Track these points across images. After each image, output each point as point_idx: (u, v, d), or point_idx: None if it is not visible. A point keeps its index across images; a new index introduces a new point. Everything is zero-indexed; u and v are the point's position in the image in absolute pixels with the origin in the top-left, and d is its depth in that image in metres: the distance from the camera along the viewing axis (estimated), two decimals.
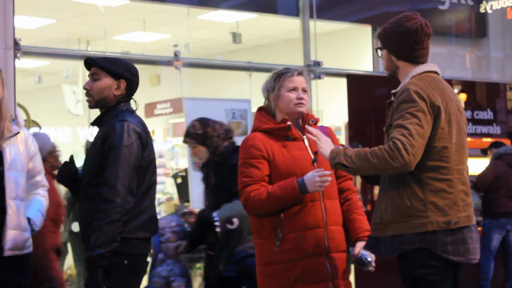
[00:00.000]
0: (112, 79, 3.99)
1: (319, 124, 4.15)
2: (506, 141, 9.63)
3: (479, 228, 9.00)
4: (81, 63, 4.18)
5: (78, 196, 4.04)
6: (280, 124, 4.00)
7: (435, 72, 3.73)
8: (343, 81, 8.31)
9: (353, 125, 8.18)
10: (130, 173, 3.81)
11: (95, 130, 4.11)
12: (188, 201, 8.17)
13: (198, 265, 6.20)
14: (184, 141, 5.14)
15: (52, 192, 4.92)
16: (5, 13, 6.52)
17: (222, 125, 5.10)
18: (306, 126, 3.91)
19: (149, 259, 5.36)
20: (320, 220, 3.93)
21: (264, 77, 4.19)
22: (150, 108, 14.17)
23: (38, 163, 4.33)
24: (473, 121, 9.90)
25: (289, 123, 3.99)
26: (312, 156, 3.99)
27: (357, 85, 8.50)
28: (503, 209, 8.98)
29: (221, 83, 11.75)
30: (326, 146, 3.66)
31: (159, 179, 10.67)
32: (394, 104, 3.58)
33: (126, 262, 3.82)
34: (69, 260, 8.69)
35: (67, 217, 7.56)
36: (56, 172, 4.62)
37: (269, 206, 3.86)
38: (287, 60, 8.72)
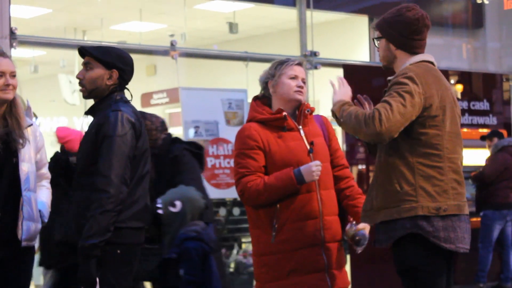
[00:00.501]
0: (104, 69, 3.97)
1: (314, 113, 4.16)
2: (503, 132, 9.64)
3: (478, 219, 9.03)
4: (77, 53, 4.16)
5: (69, 185, 4.03)
6: (276, 115, 4.00)
7: (431, 63, 3.75)
8: (340, 72, 8.31)
9: None
10: (123, 163, 3.80)
11: (90, 119, 4.10)
12: None
13: None
14: None
15: None
16: (1, 2, 6.51)
17: (157, 117, 5.10)
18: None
19: None
20: (316, 210, 3.93)
21: (260, 67, 4.19)
22: (147, 98, 14.15)
23: (44, 156, 4.33)
24: (469, 111, 9.91)
25: (284, 113, 3.99)
26: (308, 147, 3.99)
27: (354, 75, 8.50)
28: (505, 200, 9.02)
29: (217, 73, 11.74)
30: (339, 94, 3.70)
31: None
32: (388, 86, 3.62)
33: (119, 251, 3.82)
34: None
35: None
36: None
37: (265, 196, 3.86)
38: (283, 50, 8.73)
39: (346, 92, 3.74)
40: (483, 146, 9.35)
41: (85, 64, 4.01)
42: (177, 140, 5.37)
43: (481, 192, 9.12)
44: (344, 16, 10.46)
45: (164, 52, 8.12)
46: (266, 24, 12.25)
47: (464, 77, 10.22)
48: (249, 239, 4.74)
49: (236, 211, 8.30)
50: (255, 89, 4.23)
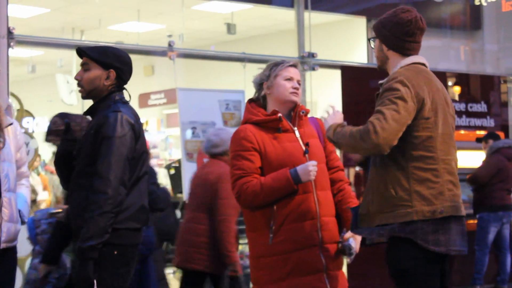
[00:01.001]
0: (102, 69, 3.96)
1: (309, 115, 4.15)
2: (500, 134, 9.64)
3: (474, 221, 9.02)
4: (75, 53, 4.15)
5: (67, 184, 4.03)
6: (271, 116, 3.99)
7: (423, 64, 3.75)
8: (338, 73, 8.31)
9: (347, 117, 8.15)
10: (122, 164, 3.79)
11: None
12: (181, 192, 8.17)
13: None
14: (47, 140, 5.02)
15: None
16: None
17: (83, 117, 5.09)
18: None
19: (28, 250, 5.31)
20: (313, 211, 3.92)
21: (258, 68, 4.18)
22: (144, 99, 14.17)
23: (24, 154, 4.33)
24: (467, 113, 9.91)
25: (279, 114, 3.98)
26: (303, 148, 3.98)
27: (351, 76, 8.51)
28: (500, 202, 9.01)
29: (215, 74, 11.74)
30: (330, 119, 3.79)
31: None
32: (380, 92, 3.62)
33: (116, 252, 3.80)
34: None
35: None
36: None
37: (262, 197, 3.85)
38: (281, 51, 8.73)
39: (338, 118, 3.79)
40: (481, 148, 9.34)
41: (82, 65, 4.01)
42: None
43: (478, 194, 9.11)
44: (342, 17, 10.46)
45: (162, 53, 8.11)
46: (264, 25, 12.26)
47: (462, 79, 10.22)
48: (246, 241, 4.72)
49: None
50: (253, 90, 4.22)
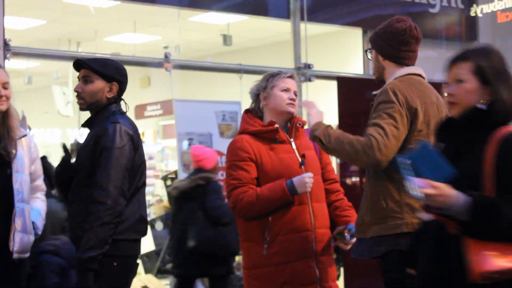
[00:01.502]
0: (105, 82, 3.95)
1: (306, 127, 4.15)
2: None
3: None
4: (71, 64, 4.14)
5: (67, 197, 4.02)
6: (268, 127, 3.99)
7: (419, 75, 3.75)
8: (334, 84, 8.31)
9: (343, 128, 8.17)
10: (122, 175, 3.79)
11: (85, 131, 4.08)
12: None
13: None
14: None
15: None
16: None
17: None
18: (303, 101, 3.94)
19: None
20: (308, 223, 3.92)
21: (254, 79, 4.19)
22: (140, 110, 14.15)
23: (38, 167, 4.32)
24: None
25: (276, 125, 3.98)
26: (300, 159, 3.98)
27: (348, 87, 8.49)
28: None
29: (211, 85, 11.75)
30: (315, 116, 3.73)
31: (148, 181, 10.65)
32: (374, 104, 3.62)
33: (115, 263, 3.80)
34: None
35: None
36: None
37: (258, 208, 3.85)
38: (277, 63, 8.72)
39: (320, 113, 3.76)
40: None
41: (83, 77, 3.98)
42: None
43: None
44: (338, 28, 10.48)
45: (158, 64, 8.11)
46: (260, 36, 12.28)
47: None
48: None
49: None
50: (249, 101, 4.22)
